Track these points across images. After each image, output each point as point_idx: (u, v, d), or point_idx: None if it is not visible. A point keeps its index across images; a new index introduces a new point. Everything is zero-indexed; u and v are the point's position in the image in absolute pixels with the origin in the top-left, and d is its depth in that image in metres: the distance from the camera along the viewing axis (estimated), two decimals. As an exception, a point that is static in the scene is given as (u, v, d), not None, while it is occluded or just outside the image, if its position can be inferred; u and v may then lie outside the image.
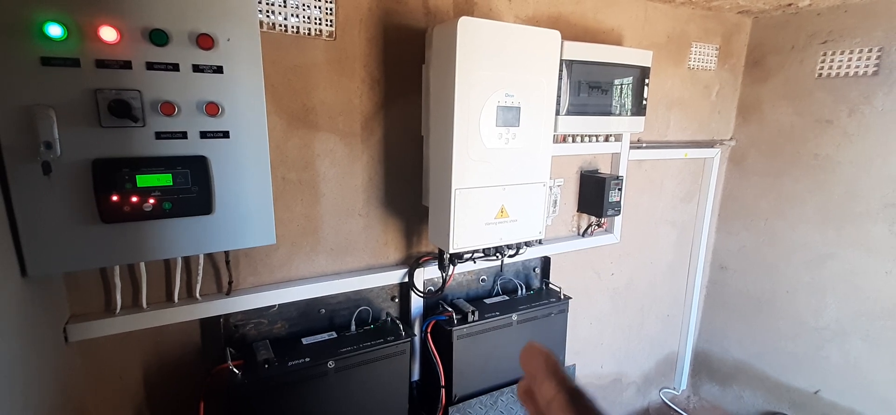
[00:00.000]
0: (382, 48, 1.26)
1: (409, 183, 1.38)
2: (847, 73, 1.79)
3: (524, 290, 1.63)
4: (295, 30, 1.14)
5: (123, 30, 0.81)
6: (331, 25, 1.18)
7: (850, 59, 1.78)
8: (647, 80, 1.55)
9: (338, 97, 1.23)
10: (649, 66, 1.53)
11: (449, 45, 1.09)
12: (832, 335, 1.96)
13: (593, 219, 1.77)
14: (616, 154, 1.74)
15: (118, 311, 1.06)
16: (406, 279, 1.42)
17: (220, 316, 1.19)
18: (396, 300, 1.47)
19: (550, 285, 1.68)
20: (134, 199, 0.87)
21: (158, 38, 0.83)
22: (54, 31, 0.76)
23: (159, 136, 0.88)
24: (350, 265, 1.37)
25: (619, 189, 1.66)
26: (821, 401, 2.03)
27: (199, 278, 1.13)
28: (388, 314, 1.41)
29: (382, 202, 1.37)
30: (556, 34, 1.20)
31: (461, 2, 1.35)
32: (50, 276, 0.97)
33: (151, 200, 0.89)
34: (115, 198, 0.86)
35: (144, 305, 1.09)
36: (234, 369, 1.10)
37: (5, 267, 0.80)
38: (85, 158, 0.83)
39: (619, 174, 1.73)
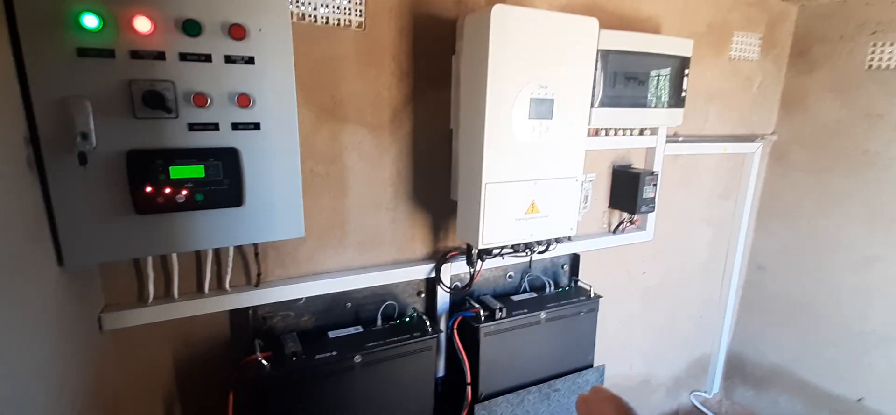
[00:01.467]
0: (412, 39, 1.23)
1: (437, 177, 1.36)
2: (901, 65, 1.67)
3: (552, 287, 1.59)
4: (324, 20, 1.12)
5: (157, 20, 0.81)
6: (360, 15, 1.16)
7: (904, 51, 1.66)
8: (686, 71, 1.48)
9: (367, 89, 1.21)
10: (689, 55, 1.46)
11: (481, 35, 1.05)
12: (879, 341, 1.85)
13: (625, 215, 1.71)
14: (651, 148, 1.68)
15: (150, 301, 1.07)
16: (433, 274, 1.40)
17: (248, 308, 1.19)
18: (423, 296, 1.45)
19: (580, 283, 1.64)
20: (167, 190, 0.87)
21: (191, 28, 0.83)
22: (90, 21, 0.76)
23: (192, 127, 0.87)
24: (377, 259, 1.35)
25: (654, 185, 1.60)
26: (864, 409, 1.93)
27: (229, 270, 1.13)
28: (414, 309, 1.40)
29: (410, 196, 1.34)
30: (594, 22, 1.15)
31: (492, -10, 1.31)
32: (86, 266, 0.99)
33: (184, 192, 0.88)
34: (149, 189, 0.86)
35: (176, 295, 1.09)
36: (263, 361, 1.10)
37: (43, 256, 0.81)
38: (120, 149, 0.83)
39: (655, 169, 1.66)
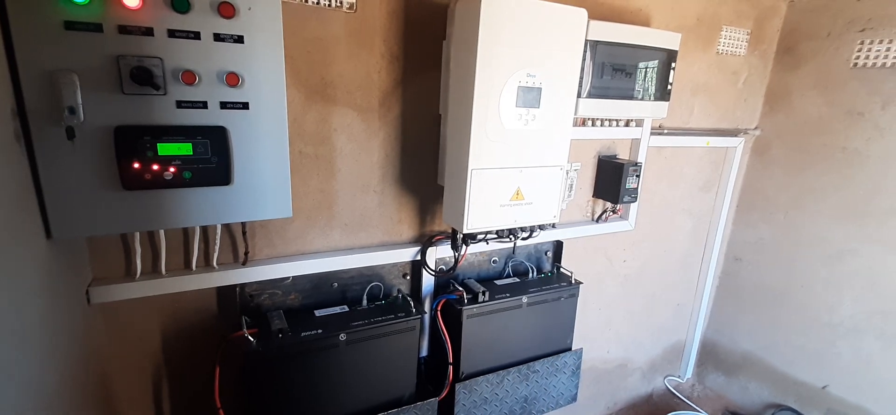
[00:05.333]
0: (403, 22, 1.23)
1: (424, 161, 1.37)
2: (884, 64, 1.72)
3: (535, 273, 1.63)
4: (315, 0, 1.12)
5: (145, -5, 0.80)
6: (351, -3, 1.16)
7: (888, 50, 1.70)
8: (673, 64, 1.50)
9: (356, 72, 1.21)
10: (677, 49, 1.49)
11: (472, 21, 1.06)
12: (845, 332, 1.94)
13: (609, 205, 1.75)
14: (636, 140, 1.71)
15: (138, 276, 1.09)
16: (418, 257, 1.43)
17: (235, 285, 1.21)
18: (408, 278, 1.48)
19: (562, 269, 1.68)
20: (155, 167, 0.88)
21: (180, 4, 0.82)
22: (77, -6, 0.76)
23: (180, 105, 0.88)
24: (363, 241, 1.37)
25: (637, 176, 1.63)
26: (828, 396, 2.02)
27: (217, 248, 1.14)
28: (399, 291, 1.43)
29: (397, 180, 1.36)
30: (583, 13, 1.16)
31: (485, -24, 1.30)
32: (73, 238, 0.99)
33: (172, 169, 0.89)
34: (136, 165, 0.86)
35: (163, 271, 1.11)
36: (249, 337, 1.13)
37: (31, 228, 0.82)
38: (108, 124, 0.83)
39: (638, 160, 1.69)
